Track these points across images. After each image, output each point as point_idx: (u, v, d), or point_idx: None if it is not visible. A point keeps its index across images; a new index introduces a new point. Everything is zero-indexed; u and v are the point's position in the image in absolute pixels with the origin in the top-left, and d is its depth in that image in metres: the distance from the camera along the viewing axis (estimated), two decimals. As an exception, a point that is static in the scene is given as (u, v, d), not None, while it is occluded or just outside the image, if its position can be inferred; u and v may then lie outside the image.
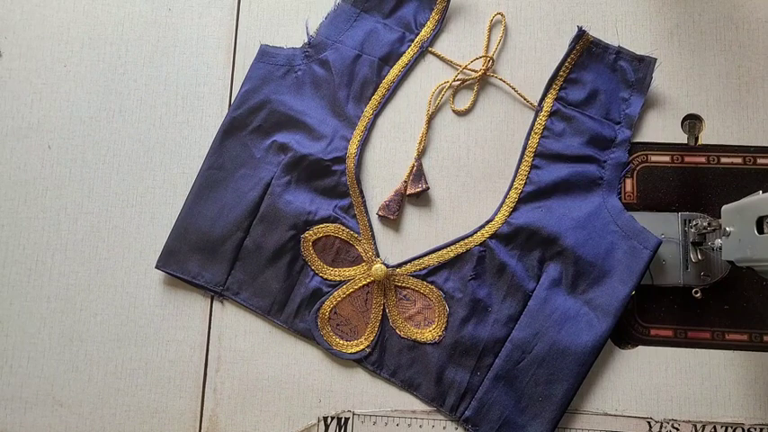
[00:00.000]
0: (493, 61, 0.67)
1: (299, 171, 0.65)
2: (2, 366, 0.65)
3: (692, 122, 0.66)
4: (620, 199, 0.64)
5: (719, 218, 0.56)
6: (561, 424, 0.61)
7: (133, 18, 0.70)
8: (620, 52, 0.65)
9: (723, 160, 0.65)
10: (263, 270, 0.64)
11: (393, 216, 0.65)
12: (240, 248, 0.64)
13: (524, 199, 0.63)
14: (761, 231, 0.50)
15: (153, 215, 0.67)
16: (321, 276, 0.64)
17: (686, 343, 0.62)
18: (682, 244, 0.63)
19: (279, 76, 0.67)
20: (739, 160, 0.65)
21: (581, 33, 0.65)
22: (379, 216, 0.65)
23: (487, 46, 0.68)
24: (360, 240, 0.64)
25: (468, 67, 0.67)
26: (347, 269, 0.64)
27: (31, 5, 0.71)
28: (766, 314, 0.62)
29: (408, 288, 0.63)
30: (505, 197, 0.64)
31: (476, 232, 0.63)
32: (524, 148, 0.65)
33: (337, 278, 0.64)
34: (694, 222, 0.62)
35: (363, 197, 0.65)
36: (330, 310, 0.63)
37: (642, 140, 0.65)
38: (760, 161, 0.65)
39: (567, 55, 0.65)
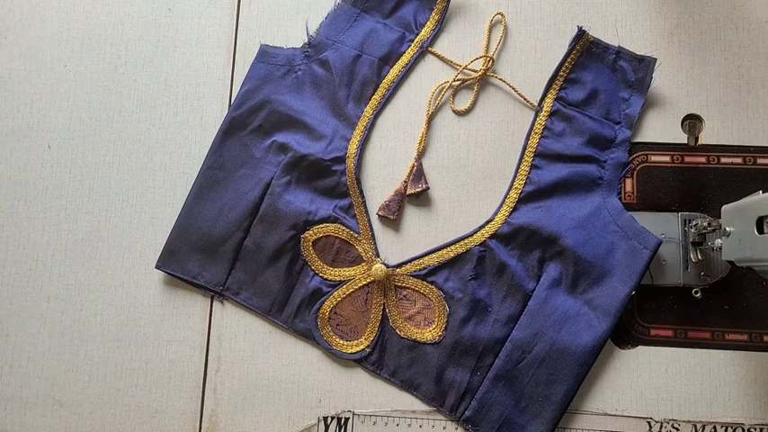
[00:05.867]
0: (493, 61, 0.67)
1: (299, 171, 0.65)
2: (2, 366, 0.65)
3: (692, 122, 0.66)
4: (620, 199, 0.64)
5: (719, 218, 0.56)
6: (561, 424, 0.61)
7: (133, 18, 0.70)
8: (620, 52, 0.65)
9: (723, 160, 0.65)
10: (263, 270, 0.64)
11: (393, 216, 0.65)
12: (240, 248, 0.64)
13: (524, 199, 0.63)
14: (761, 231, 0.50)
15: (153, 215, 0.67)
16: (321, 276, 0.64)
17: (686, 343, 0.62)
18: (682, 244, 0.63)
19: (279, 76, 0.67)
20: (739, 160, 0.65)
21: (581, 33, 0.65)
22: (379, 216, 0.65)
23: (487, 46, 0.68)
24: (360, 240, 0.64)
25: (468, 67, 0.67)
26: (347, 269, 0.64)
27: (30, 5, 0.71)
28: (766, 314, 0.62)
29: (408, 288, 0.63)
30: (505, 197, 0.64)
31: (476, 232, 0.63)
32: (524, 148, 0.65)
33: (337, 278, 0.64)
34: (694, 222, 0.62)
35: (363, 197, 0.65)
36: (330, 310, 0.63)
37: (642, 140, 0.65)
38: (760, 161, 0.65)
39: (567, 55, 0.65)
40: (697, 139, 0.66)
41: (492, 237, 0.63)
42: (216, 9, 0.70)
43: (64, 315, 0.65)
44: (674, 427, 0.61)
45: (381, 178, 0.66)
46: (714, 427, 0.61)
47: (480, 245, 0.63)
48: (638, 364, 0.62)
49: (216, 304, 0.65)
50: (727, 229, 0.54)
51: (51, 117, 0.69)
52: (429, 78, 0.68)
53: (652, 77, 0.65)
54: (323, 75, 0.67)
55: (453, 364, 0.62)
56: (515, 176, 0.64)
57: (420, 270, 0.63)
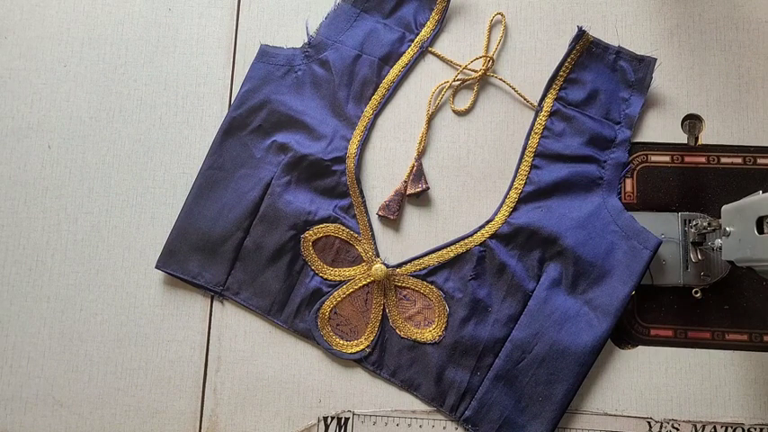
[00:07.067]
0: (493, 61, 0.67)
1: (299, 171, 0.65)
2: (2, 366, 0.65)
3: (692, 122, 0.66)
4: (620, 199, 0.64)
5: (719, 218, 0.56)
6: (561, 424, 0.61)
7: (133, 18, 0.70)
8: (620, 52, 0.65)
9: (723, 160, 0.65)
10: (263, 270, 0.64)
11: (393, 216, 0.65)
12: (240, 248, 0.64)
13: (524, 199, 0.63)
14: (761, 231, 0.50)
15: (153, 215, 0.67)
16: (321, 276, 0.64)
17: (686, 343, 0.62)
18: (682, 244, 0.63)
19: (279, 76, 0.67)
20: (739, 160, 0.65)
21: (581, 33, 0.65)
22: (379, 216, 0.65)
23: (487, 46, 0.68)
24: (360, 240, 0.64)
25: (468, 67, 0.67)
26: (347, 269, 0.64)
27: (30, 5, 0.71)
28: (766, 314, 0.62)
29: (408, 288, 0.63)
30: (505, 197, 0.64)
31: (476, 232, 0.63)
32: (524, 148, 0.65)
33: (337, 278, 0.64)
34: (694, 222, 0.62)
35: (363, 197, 0.65)
36: (330, 310, 0.63)
37: (642, 140, 0.65)
38: (760, 161, 0.65)
39: (567, 55, 0.65)
40: (697, 139, 0.66)
41: (492, 237, 0.63)
42: (216, 9, 0.70)
43: (64, 315, 0.65)
44: (674, 427, 0.61)
45: (381, 178, 0.66)
46: (714, 427, 0.61)
47: (480, 245, 0.63)
48: (638, 364, 0.62)
49: (216, 304, 0.65)
50: (727, 229, 0.54)
51: (51, 117, 0.69)
52: (429, 78, 0.68)
53: (652, 77, 0.65)
54: (323, 75, 0.67)
55: (453, 364, 0.62)
56: (515, 176, 0.64)
57: (420, 270, 0.63)
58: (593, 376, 0.62)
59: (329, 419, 0.63)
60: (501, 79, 0.67)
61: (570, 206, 0.63)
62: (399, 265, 0.64)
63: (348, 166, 0.64)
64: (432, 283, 0.63)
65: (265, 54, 0.68)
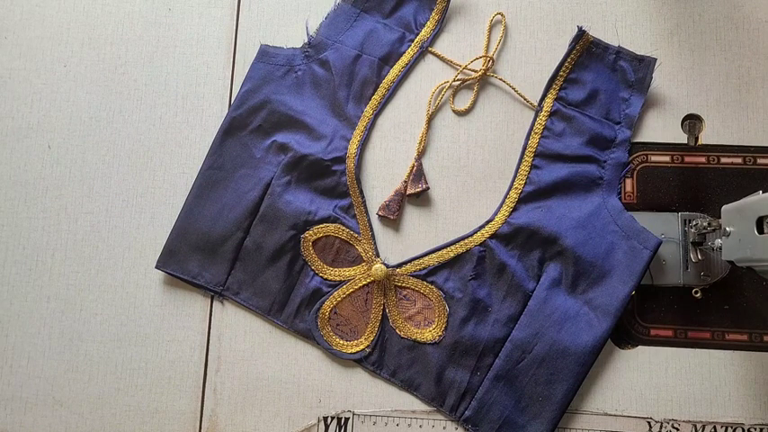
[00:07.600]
0: (493, 61, 0.67)
1: (299, 171, 0.65)
2: (2, 366, 0.65)
3: (692, 122, 0.66)
4: (620, 199, 0.64)
5: (719, 218, 0.56)
6: (561, 424, 0.61)
7: (133, 18, 0.70)
8: (620, 52, 0.65)
9: (723, 160, 0.65)
10: (263, 270, 0.64)
11: (393, 216, 0.65)
12: (240, 248, 0.64)
13: (524, 199, 0.63)
14: (761, 231, 0.50)
15: (153, 215, 0.67)
16: (321, 276, 0.64)
17: (686, 343, 0.62)
18: (682, 244, 0.63)
19: (279, 76, 0.67)
20: (739, 160, 0.65)
21: (581, 33, 0.65)
22: (379, 216, 0.65)
23: (487, 46, 0.68)
24: (360, 240, 0.64)
25: (468, 67, 0.67)
26: (347, 269, 0.64)
27: (30, 5, 0.71)
28: (766, 314, 0.62)
29: (408, 288, 0.63)
30: (505, 197, 0.64)
31: (476, 232, 0.63)
32: (524, 148, 0.65)
33: (337, 278, 0.64)
34: (694, 222, 0.62)
35: (363, 197, 0.65)
36: (330, 310, 0.63)
37: (642, 140, 0.65)
38: (760, 161, 0.65)
39: (567, 55, 0.65)
40: (697, 139, 0.66)
41: (492, 237, 0.63)
42: (216, 9, 0.70)
43: (64, 315, 0.65)
44: (674, 427, 0.61)
45: (381, 178, 0.66)
46: (714, 427, 0.61)
47: (480, 245, 0.63)
48: (638, 364, 0.62)
49: (216, 304, 0.65)
50: (727, 229, 0.54)
51: (51, 117, 0.69)
52: (429, 78, 0.68)
53: (652, 77, 0.65)
54: (323, 75, 0.67)
55: (453, 364, 0.62)
56: (515, 176, 0.64)
57: (420, 270, 0.63)
58: (593, 376, 0.62)
59: (329, 419, 0.63)
60: (501, 79, 0.67)
61: (570, 206, 0.63)
62: (399, 265, 0.64)
63: (348, 166, 0.64)
64: (432, 283, 0.63)
65: (265, 54, 0.68)
